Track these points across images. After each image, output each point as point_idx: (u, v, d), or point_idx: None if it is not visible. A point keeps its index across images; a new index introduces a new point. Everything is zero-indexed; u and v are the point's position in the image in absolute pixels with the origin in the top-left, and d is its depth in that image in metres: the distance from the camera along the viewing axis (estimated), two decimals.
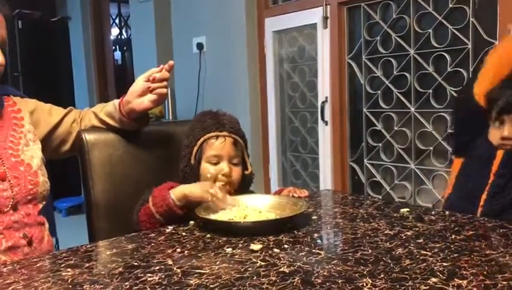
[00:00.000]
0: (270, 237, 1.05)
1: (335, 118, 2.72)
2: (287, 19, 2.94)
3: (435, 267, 0.84)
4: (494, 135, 1.29)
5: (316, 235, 1.09)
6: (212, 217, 1.16)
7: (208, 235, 1.09)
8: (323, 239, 1.10)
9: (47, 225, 1.28)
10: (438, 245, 0.97)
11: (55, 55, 4.74)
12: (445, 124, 2.27)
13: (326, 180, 2.81)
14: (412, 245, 0.97)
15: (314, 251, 0.96)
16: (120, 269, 0.90)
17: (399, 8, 2.42)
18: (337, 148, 2.74)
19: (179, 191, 1.21)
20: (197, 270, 0.87)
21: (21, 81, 4.39)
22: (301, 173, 3.09)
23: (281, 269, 0.86)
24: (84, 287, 0.82)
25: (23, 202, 1.20)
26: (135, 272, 0.88)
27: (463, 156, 1.50)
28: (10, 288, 0.83)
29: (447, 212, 1.22)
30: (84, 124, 1.43)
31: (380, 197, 2.53)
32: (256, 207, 1.23)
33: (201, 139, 1.32)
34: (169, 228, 1.17)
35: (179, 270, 0.88)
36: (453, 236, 1.03)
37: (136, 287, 0.81)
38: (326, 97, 2.74)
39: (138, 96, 1.34)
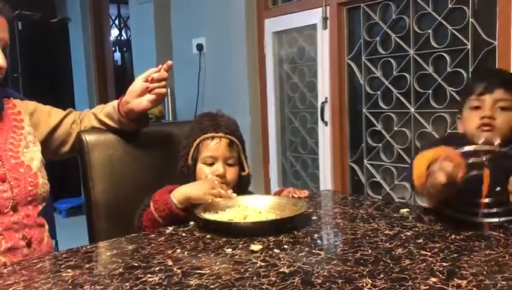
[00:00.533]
0: (270, 238, 1.05)
1: (335, 118, 2.72)
2: (286, 20, 2.94)
3: (435, 267, 0.85)
4: (472, 120, 1.29)
5: (316, 235, 1.09)
6: (212, 217, 1.16)
7: (208, 236, 1.09)
8: (323, 239, 1.10)
9: (47, 227, 1.28)
10: (437, 245, 0.97)
11: (54, 56, 4.74)
12: (444, 125, 2.27)
13: (326, 180, 2.81)
14: (411, 245, 0.97)
15: (314, 251, 0.97)
16: (120, 270, 0.90)
17: (398, 8, 2.42)
18: (337, 148, 2.74)
19: (179, 194, 1.21)
20: (197, 271, 0.88)
21: (21, 82, 4.39)
22: (301, 174, 3.09)
23: (281, 270, 0.86)
24: (85, 287, 0.82)
25: (23, 203, 1.20)
26: (135, 272, 0.88)
27: None
28: (11, 289, 0.83)
29: (447, 213, 1.22)
30: (83, 125, 1.43)
31: (380, 197, 2.53)
32: (256, 208, 1.23)
33: (198, 140, 1.33)
34: (169, 229, 1.17)
35: (179, 270, 0.88)
36: (453, 236, 1.03)
37: (136, 288, 0.81)
38: (326, 98, 2.74)
39: (137, 96, 1.34)
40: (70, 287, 0.83)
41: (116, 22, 5.86)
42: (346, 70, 2.68)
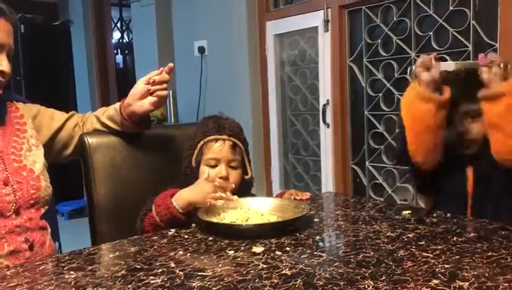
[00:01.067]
0: (272, 240, 1.05)
1: (336, 120, 2.72)
2: (288, 22, 2.95)
3: (437, 269, 0.85)
4: (476, 127, 1.35)
5: (317, 237, 1.09)
6: (215, 220, 1.16)
7: (210, 238, 1.10)
8: (325, 241, 1.10)
9: (49, 230, 1.29)
10: (439, 247, 0.97)
11: (57, 59, 4.74)
12: None
13: (328, 182, 2.81)
14: (413, 247, 0.97)
15: (316, 253, 0.97)
16: (123, 272, 0.90)
17: (400, 11, 2.42)
18: (339, 150, 2.74)
19: (181, 198, 1.21)
20: (200, 273, 0.88)
21: (23, 85, 4.39)
22: (303, 176, 3.09)
23: (283, 272, 0.87)
24: (87, 289, 0.83)
25: (25, 207, 1.20)
26: (138, 274, 0.88)
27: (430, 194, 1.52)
28: None
29: (448, 214, 1.22)
30: (86, 128, 1.44)
31: (382, 199, 2.53)
32: (258, 210, 1.23)
33: (202, 142, 1.33)
34: (172, 231, 1.17)
35: (181, 272, 0.89)
36: (455, 238, 1.03)
37: None
38: (328, 100, 2.75)
39: (138, 99, 1.34)
40: (73, 289, 0.83)
41: (118, 24, 5.88)
42: (347, 73, 2.68)
